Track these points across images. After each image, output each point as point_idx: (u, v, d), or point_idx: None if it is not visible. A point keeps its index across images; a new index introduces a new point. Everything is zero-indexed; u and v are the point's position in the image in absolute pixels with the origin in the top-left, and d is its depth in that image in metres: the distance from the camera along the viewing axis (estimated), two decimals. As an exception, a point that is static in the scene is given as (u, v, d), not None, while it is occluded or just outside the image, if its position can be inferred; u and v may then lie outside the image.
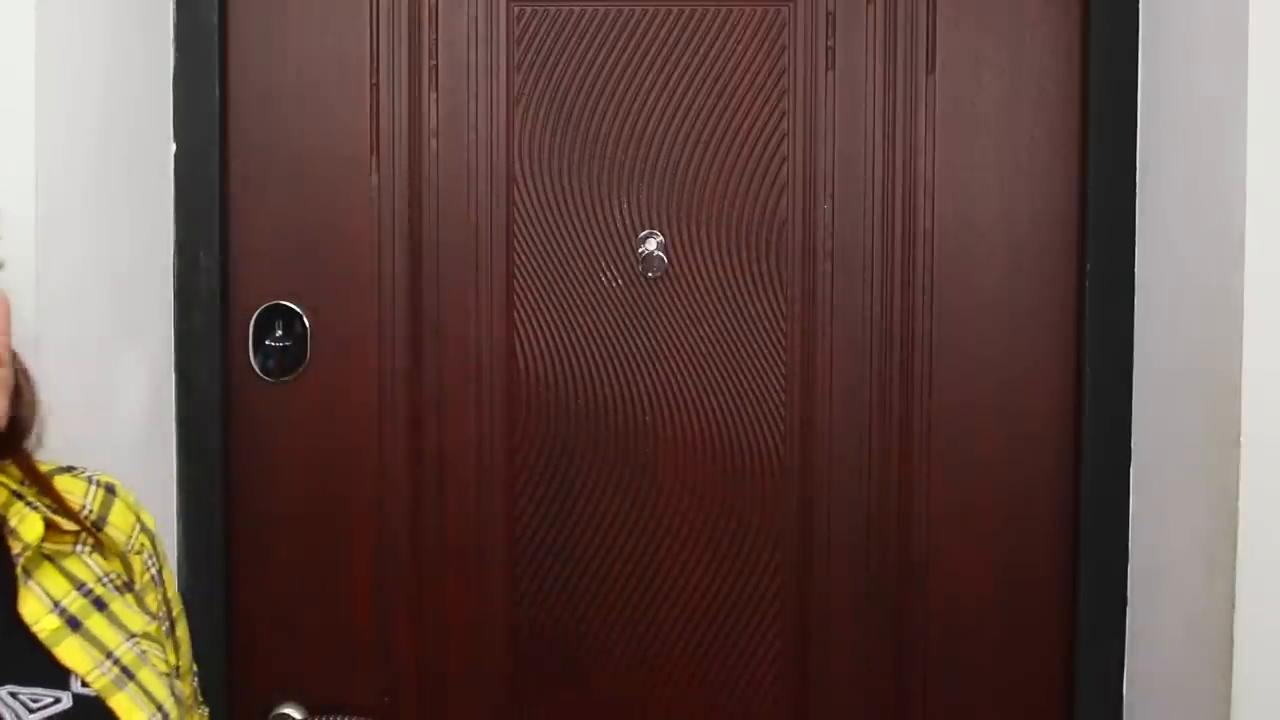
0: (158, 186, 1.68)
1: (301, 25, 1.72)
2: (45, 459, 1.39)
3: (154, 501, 1.64)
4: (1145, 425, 1.65)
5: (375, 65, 1.72)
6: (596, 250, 1.73)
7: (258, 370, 1.74)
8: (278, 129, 1.72)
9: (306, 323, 1.73)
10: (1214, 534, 1.45)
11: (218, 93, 1.70)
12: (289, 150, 1.72)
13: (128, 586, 1.16)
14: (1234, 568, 1.40)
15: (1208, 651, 1.47)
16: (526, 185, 1.73)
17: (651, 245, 1.73)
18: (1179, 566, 1.55)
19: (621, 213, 1.73)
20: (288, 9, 1.72)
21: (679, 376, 1.75)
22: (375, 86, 1.71)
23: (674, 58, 1.72)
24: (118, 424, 1.59)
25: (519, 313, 1.74)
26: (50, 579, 1.09)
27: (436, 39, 1.72)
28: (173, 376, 1.71)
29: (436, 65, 1.72)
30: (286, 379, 1.73)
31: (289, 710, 1.73)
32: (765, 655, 1.77)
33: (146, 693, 1.07)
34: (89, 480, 1.18)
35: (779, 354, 1.74)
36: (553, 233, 1.73)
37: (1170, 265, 1.59)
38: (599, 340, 1.74)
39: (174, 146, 1.69)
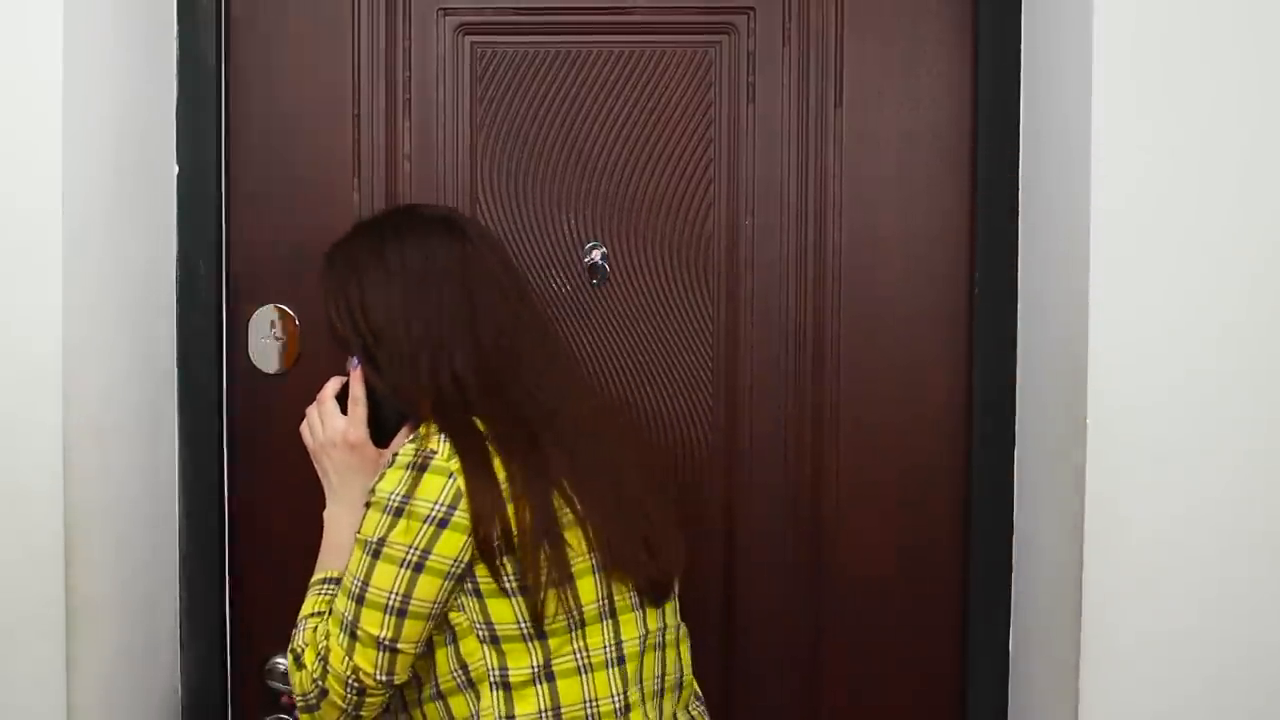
0: (163, 204, 1.82)
1: (296, 66, 1.84)
2: (70, 442, 1.56)
3: (159, 479, 1.82)
4: (1025, 413, 1.79)
5: (356, 99, 1.85)
6: (548, 259, 1.87)
7: (255, 364, 1.87)
8: (274, 155, 1.85)
9: (297, 322, 1.87)
10: (1067, 503, 1.62)
11: (215, 122, 1.82)
12: (283, 173, 1.85)
13: None
14: (1082, 531, 1.57)
15: (1065, 604, 1.62)
16: (487, 202, 1.86)
17: (596, 255, 1.87)
18: (1044, 534, 1.72)
19: (569, 227, 1.87)
20: (285, 53, 1.84)
21: (620, 369, 1.88)
22: (356, 118, 1.85)
23: (615, 91, 1.85)
24: (129, 410, 1.73)
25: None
26: None
27: (410, 76, 1.85)
28: (175, 371, 1.84)
29: (410, 99, 1.85)
30: (280, 372, 1.88)
31: (281, 661, 1.88)
32: (697, 603, 1.85)
33: None
34: None
35: (706, 350, 1.87)
36: (510, 244, 1.85)
37: (1042, 274, 1.73)
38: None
39: (176, 168, 1.83)
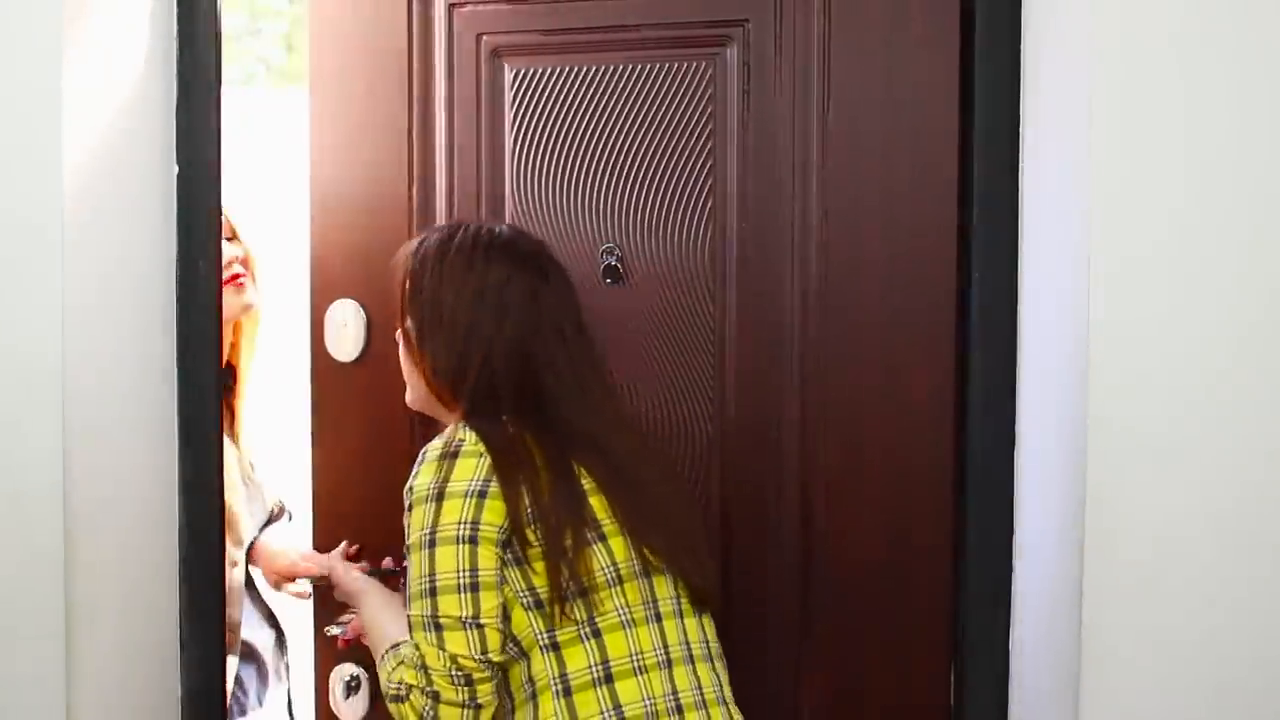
0: (163, 204, 1.83)
1: (362, 91, 2.03)
2: (70, 442, 1.58)
3: (159, 479, 1.83)
4: (1025, 413, 1.79)
5: (411, 120, 2.02)
6: (568, 262, 1.90)
7: (331, 353, 2.04)
8: (344, 172, 2.05)
9: (365, 315, 2.02)
10: (1067, 503, 1.63)
11: (214, 122, 1.86)
12: (351, 183, 2.04)
13: None
14: (1082, 531, 1.57)
15: (1065, 604, 1.63)
16: (518, 209, 1.98)
17: (610, 258, 1.96)
18: (1044, 534, 1.72)
19: (588, 230, 1.97)
20: (354, 78, 2.03)
21: (630, 367, 1.94)
22: (410, 134, 2.01)
23: (627, 104, 1.95)
24: (129, 411, 1.76)
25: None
26: None
27: (453, 99, 2.00)
28: (175, 371, 1.85)
29: (453, 119, 2.01)
30: (353, 360, 2.04)
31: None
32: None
33: None
34: None
35: (707, 345, 1.93)
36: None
37: (1042, 274, 1.74)
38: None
39: (176, 168, 1.84)
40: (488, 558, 1.56)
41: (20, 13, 1.56)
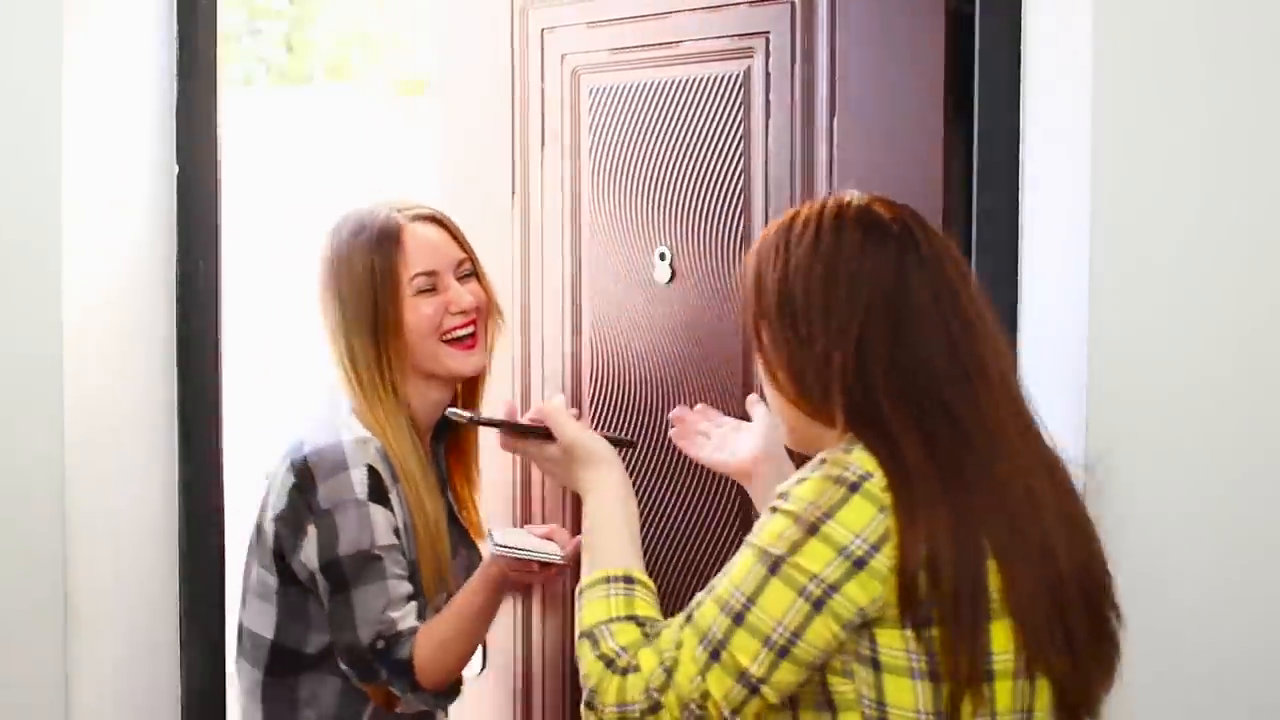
0: (163, 204, 1.82)
1: (476, 112, 2.28)
2: (70, 443, 1.59)
3: (158, 479, 1.84)
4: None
5: (513, 133, 2.25)
6: (630, 260, 2.12)
7: None
8: (462, 182, 2.31)
9: None
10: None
11: (214, 122, 1.85)
12: (467, 194, 2.27)
13: None
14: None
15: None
16: (594, 216, 2.16)
17: (663, 259, 2.08)
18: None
19: (643, 233, 2.11)
20: (473, 98, 2.29)
21: (676, 361, 2.08)
22: (513, 147, 2.25)
23: (678, 113, 2.08)
24: (129, 410, 1.76)
25: (583, 300, 2.19)
26: None
27: (543, 112, 2.22)
28: (175, 371, 1.84)
29: (543, 130, 2.23)
30: None
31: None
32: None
33: None
34: None
35: (735, 347, 2.00)
36: (605, 243, 2.15)
37: (1042, 272, 1.72)
38: (631, 322, 2.13)
39: (177, 168, 1.84)
40: (822, 633, 1.24)
41: (20, 13, 1.56)
